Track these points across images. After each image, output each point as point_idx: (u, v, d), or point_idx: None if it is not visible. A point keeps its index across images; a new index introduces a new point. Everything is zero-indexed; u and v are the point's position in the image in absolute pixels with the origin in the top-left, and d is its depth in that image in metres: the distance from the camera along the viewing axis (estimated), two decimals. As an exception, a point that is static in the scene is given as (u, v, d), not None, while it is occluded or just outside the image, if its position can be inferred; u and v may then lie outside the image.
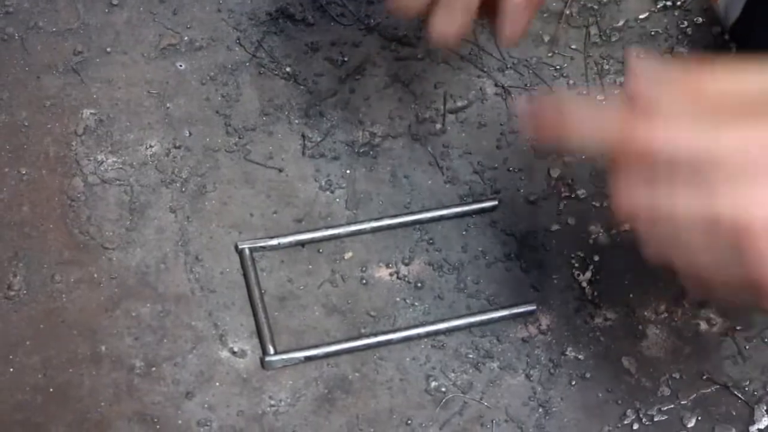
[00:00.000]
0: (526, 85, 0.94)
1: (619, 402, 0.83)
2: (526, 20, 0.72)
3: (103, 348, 0.81)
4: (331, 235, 0.86)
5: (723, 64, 0.60)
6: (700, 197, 0.58)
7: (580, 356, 0.84)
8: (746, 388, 0.84)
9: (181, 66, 0.92)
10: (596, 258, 0.87)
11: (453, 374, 0.83)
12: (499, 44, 0.85)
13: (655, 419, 0.83)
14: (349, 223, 0.87)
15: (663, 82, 0.60)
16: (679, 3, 0.99)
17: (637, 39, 0.97)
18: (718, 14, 0.99)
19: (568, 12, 0.97)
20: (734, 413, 0.83)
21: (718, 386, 0.84)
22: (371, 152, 0.90)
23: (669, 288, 0.86)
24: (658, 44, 0.97)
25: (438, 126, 0.91)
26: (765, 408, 0.84)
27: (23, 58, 0.91)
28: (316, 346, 0.82)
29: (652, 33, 0.98)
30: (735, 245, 0.57)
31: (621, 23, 0.97)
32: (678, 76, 0.60)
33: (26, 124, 0.88)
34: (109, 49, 0.92)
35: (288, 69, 0.93)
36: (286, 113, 0.91)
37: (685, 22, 0.98)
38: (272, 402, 0.81)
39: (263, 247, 0.85)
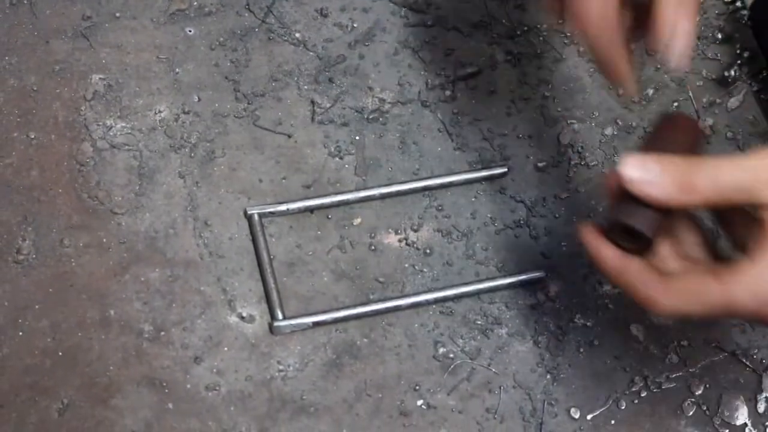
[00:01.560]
0: (537, 51, 0.94)
1: (627, 369, 0.83)
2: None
3: (112, 312, 0.81)
4: (340, 201, 0.86)
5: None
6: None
7: (588, 323, 0.84)
8: (754, 356, 0.84)
9: (190, 31, 0.92)
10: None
11: (461, 340, 0.83)
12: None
13: (663, 386, 0.83)
14: (358, 189, 0.87)
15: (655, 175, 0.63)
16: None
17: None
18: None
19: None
20: (742, 381, 0.83)
21: (726, 354, 0.84)
22: (380, 119, 0.90)
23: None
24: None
25: (448, 93, 0.91)
26: (773, 376, 0.84)
27: (32, 23, 0.91)
28: (324, 312, 0.82)
29: None
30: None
31: (632, -10, 0.97)
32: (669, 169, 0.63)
33: (35, 88, 0.88)
34: (118, 14, 0.92)
35: (297, 35, 0.93)
36: (295, 79, 0.91)
37: (698, -10, 0.97)
38: (281, 367, 0.81)
39: (272, 213, 0.85)
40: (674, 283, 0.64)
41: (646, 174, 0.62)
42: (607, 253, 0.66)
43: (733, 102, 0.94)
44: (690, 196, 0.62)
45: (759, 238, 0.61)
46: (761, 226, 0.61)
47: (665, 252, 0.67)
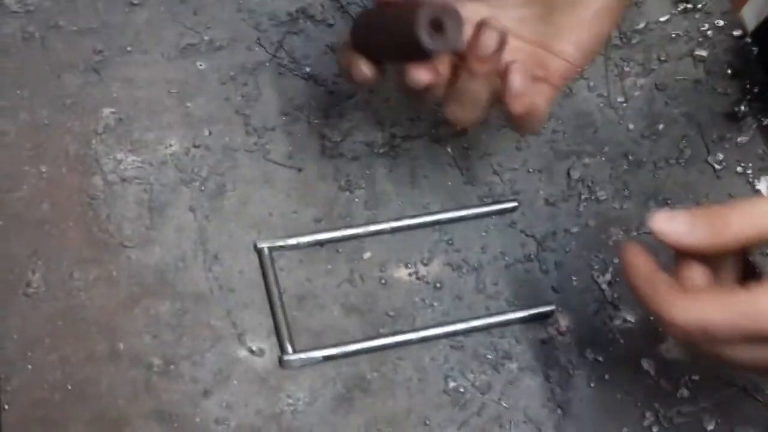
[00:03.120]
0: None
1: (638, 404, 0.83)
2: (537, 97, 0.74)
3: (122, 346, 0.81)
4: (350, 234, 0.86)
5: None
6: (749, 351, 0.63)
7: (599, 358, 0.84)
8: (766, 392, 0.84)
9: (201, 66, 0.92)
10: (616, 260, 0.87)
11: (471, 375, 0.82)
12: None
13: (675, 421, 0.82)
14: (368, 223, 0.87)
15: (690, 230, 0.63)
16: (699, 6, 0.99)
17: (657, 41, 0.97)
18: (740, 18, 0.99)
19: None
20: (754, 416, 0.83)
21: (737, 389, 0.84)
22: (391, 153, 0.90)
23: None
24: (679, 47, 0.97)
25: (458, 127, 0.91)
26: (785, 411, 0.83)
27: (44, 57, 0.91)
28: (334, 346, 0.82)
29: (673, 35, 0.98)
30: None
31: (642, 25, 0.97)
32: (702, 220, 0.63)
33: (46, 122, 0.88)
34: (129, 48, 0.92)
35: (308, 69, 0.93)
36: (306, 113, 0.91)
37: (706, 25, 0.98)
38: (290, 401, 0.80)
39: (282, 247, 0.85)
40: (697, 291, 0.63)
41: (678, 226, 0.63)
42: (640, 263, 0.66)
43: (742, 138, 0.94)
44: (726, 240, 0.62)
45: None
46: None
47: (697, 275, 0.66)
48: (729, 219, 0.62)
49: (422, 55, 0.69)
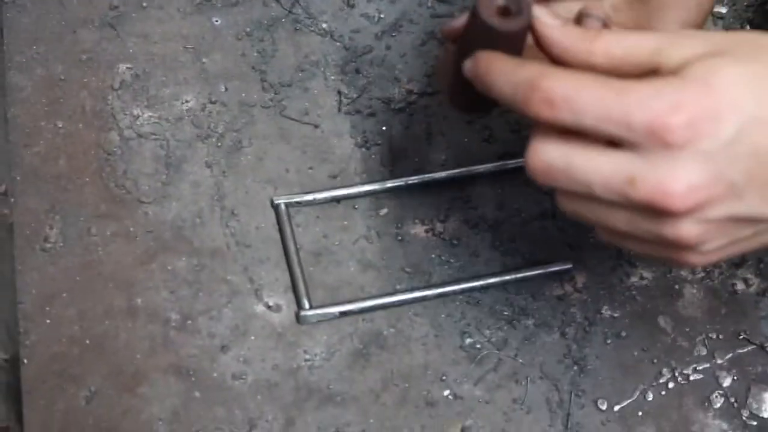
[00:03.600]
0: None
1: (655, 361, 0.83)
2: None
3: (139, 301, 0.81)
4: (366, 191, 0.86)
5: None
6: (615, 163, 0.57)
7: (615, 315, 0.84)
8: (783, 349, 0.84)
9: (216, 21, 0.92)
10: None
11: (488, 331, 0.83)
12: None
13: (691, 378, 0.82)
14: (384, 180, 0.87)
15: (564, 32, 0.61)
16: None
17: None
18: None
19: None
20: (770, 374, 0.83)
21: (754, 346, 0.84)
22: (407, 109, 0.90)
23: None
24: None
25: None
26: (802, 369, 0.83)
27: (59, 13, 0.91)
28: (351, 302, 0.82)
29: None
30: (650, 210, 0.57)
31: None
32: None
33: (62, 78, 0.88)
34: (145, 4, 0.92)
35: (324, 25, 0.93)
36: (322, 69, 0.91)
37: (726, -19, 0.97)
38: (307, 356, 0.81)
39: (299, 203, 0.85)
40: (575, 70, 0.60)
41: (555, 25, 0.61)
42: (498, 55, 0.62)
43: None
44: (593, 46, 0.59)
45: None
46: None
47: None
48: (603, 32, 0.60)
49: (498, 39, 0.66)
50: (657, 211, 0.57)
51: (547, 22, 0.62)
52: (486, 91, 0.62)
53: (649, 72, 0.58)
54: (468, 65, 0.64)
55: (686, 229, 0.58)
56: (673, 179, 0.56)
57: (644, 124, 0.55)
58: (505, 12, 0.63)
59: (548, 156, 0.59)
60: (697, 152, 0.55)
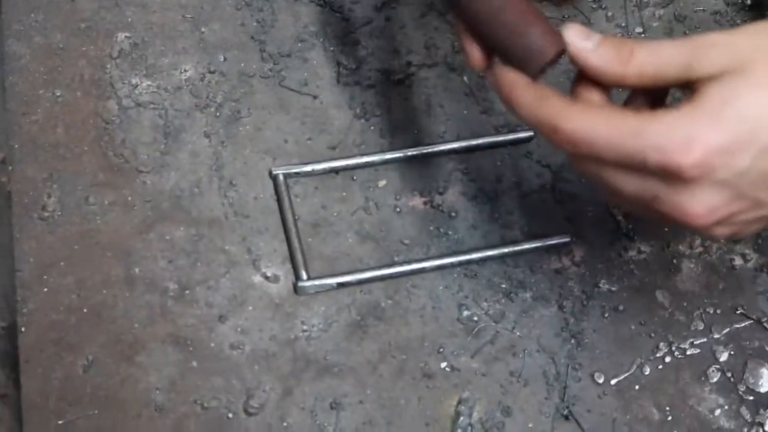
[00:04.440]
0: (564, 16, 0.93)
1: (652, 335, 0.83)
2: None
3: (137, 270, 0.81)
4: (365, 162, 0.86)
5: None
6: (640, 183, 0.61)
7: (613, 288, 0.84)
8: (779, 324, 0.84)
9: (216, -10, 0.91)
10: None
11: (485, 303, 0.83)
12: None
13: (688, 353, 0.82)
14: (383, 152, 0.87)
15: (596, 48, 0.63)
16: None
17: (677, -28, 0.96)
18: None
19: (608, -57, 0.95)
20: (767, 348, 0.83)
21: (751, 321, 0.84)
22: (406, 81, 0.90)
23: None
24: (699, -23, 0.96)
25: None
26: (798, 344, 0.83)
27: (58, -20, 0.90)
28: (349, 273, 0.82)
29: (693, -34, 0.96)
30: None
31: (661, -45, 0.96)
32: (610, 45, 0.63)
33: (61, 46, 0.88)
34: (144, -27, 0.91)
35: (324, -5, 0.92)
36: (321, 40, 0.90)
37: (727, -44, 0.97)
38: (304, 327, 0.81)
39: (297, 173, 0.85)
40: (589, 106, 0.63)
41: (588, 44, 0.62)
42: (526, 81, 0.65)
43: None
44: (627, 68, 0.62)
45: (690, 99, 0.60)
46: (694, 92, 0.60)
47: (594, 97, 0.65)
48: (635, 51, 0.61)
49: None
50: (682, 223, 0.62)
51: (581, 46, 0.63)
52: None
53: (681, 84, 0.61)
54: (491, 78, 0.66)
55: (716, 232, 0.63)
56: (690, 205, 0.60)
57: (658, 166, 0.59)
58: None
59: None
60: (714, 182, 0.59)
